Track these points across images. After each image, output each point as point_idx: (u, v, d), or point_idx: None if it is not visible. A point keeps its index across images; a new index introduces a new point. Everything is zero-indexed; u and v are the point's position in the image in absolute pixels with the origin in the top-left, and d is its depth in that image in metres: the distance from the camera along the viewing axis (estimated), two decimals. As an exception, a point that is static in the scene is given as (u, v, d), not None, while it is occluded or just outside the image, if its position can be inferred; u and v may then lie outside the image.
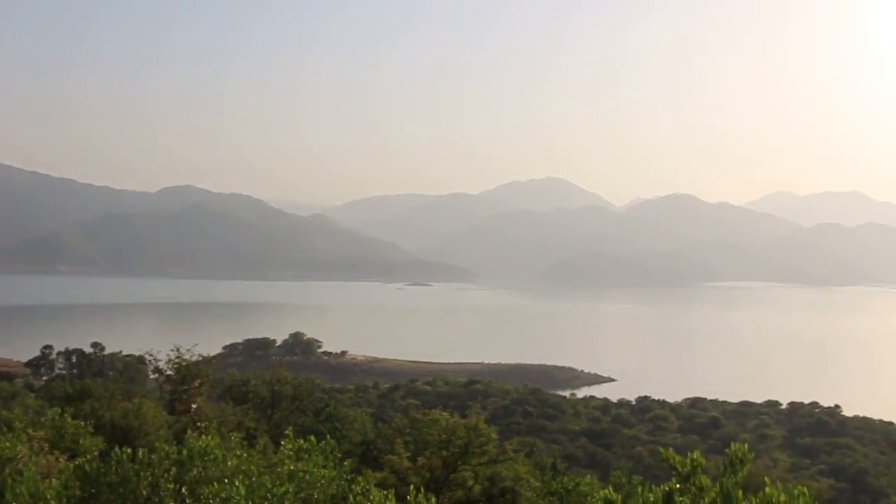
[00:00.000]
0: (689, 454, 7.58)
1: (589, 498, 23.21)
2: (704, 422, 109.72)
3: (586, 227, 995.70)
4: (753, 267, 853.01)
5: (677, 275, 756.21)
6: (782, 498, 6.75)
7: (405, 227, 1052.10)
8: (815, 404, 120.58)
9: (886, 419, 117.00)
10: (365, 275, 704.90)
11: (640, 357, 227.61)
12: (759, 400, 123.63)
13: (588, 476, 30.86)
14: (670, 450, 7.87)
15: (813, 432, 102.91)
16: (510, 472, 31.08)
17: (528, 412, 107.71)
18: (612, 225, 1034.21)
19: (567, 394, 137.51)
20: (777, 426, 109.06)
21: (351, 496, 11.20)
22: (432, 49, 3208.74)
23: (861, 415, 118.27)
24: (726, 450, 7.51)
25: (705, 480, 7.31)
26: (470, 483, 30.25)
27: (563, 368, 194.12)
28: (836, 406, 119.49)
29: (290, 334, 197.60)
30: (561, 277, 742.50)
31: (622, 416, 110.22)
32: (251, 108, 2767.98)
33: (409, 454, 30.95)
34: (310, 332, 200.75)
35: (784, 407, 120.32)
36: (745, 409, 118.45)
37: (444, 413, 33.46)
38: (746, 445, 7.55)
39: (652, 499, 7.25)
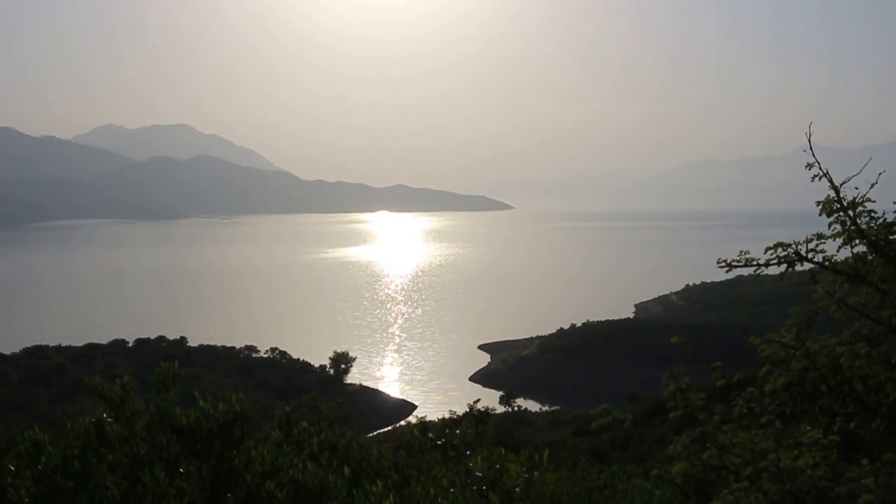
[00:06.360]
0: (118, 380, 6.83)
1: None
2: (49, 370, 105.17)
3: None
4: (87, 204, 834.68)
5: (2, 217, 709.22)
6: (221, 407, 6.66)
7: None
8: (161, 338, 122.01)
9: (228, 345, 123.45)
10: None
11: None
12: (105, 341, 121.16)
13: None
14: (96, 378, 7.03)
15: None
16: None
17: None
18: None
19: None
20: (125, 365, 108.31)
21: None
22: None
23: (205, 343, 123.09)
24: (156, 369, 7.10)
25: (139, 404, 6.81)
26: None
27: None
28: (182, 338, 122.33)
29: None
30: None
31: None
32: None
33: None
34: None
35: (131, 345, 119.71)
36: (91, 352, 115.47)
37: None
38: (177, 363, 7.23)
39: (83, 430, 6.43)
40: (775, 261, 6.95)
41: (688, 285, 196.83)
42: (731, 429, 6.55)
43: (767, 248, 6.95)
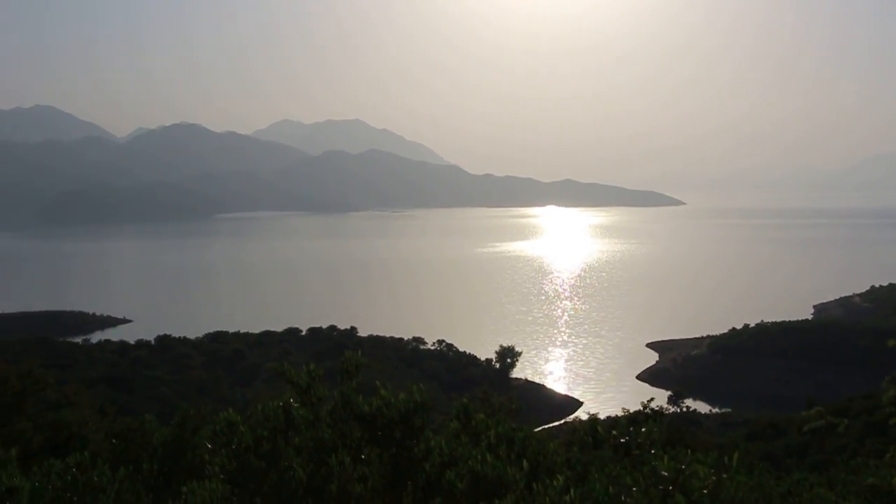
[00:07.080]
0: (304, 366, 7.33)
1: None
2: (228, 355, 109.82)
3: (85, 160, 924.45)
4: (264, 196, 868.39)
5: (187, 208, 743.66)
6: (401, 396, 6.95)
7: None
8: (333, 328, 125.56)
9: (396, 336, 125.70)
10: None
11: (156, 295, 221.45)
12: (279, 329, 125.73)
13: (146, 415, 27.61)
14: (285, 364, 7.52)
15: (333, 355, 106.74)
16: (75, 417, 26.91)
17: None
18: (115, 157, 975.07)
19: (79, 340, 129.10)
20: (299, 352, 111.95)
21: None
22: None
23: (374, 334, 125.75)
24: (341, 358, 7.52)
25: (323, 390, 7.22)
26: (29, 434, 25.58)
27: (71, 313, 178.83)
28: (353, 328, 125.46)
29: None
30: (59, 216, 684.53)
31: (142, 358, 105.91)
32: None
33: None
34: None
35: (304, 333, 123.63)
36: (266, 339, 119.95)
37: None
38: (360, 352, 7.61)
39: (272, 413, 6.85)
40: None
41: (873, 286, 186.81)
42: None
43: None
